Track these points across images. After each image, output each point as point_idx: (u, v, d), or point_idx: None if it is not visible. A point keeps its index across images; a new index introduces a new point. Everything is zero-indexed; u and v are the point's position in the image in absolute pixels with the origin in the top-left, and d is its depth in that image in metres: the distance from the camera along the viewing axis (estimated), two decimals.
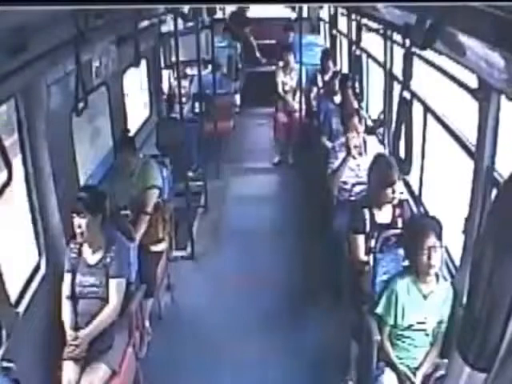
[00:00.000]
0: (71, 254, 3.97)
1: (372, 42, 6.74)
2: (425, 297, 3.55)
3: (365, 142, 5.55)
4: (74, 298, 3.92)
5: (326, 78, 8.11)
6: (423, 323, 3.55)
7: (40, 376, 3.71)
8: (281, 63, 8.48)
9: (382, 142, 6.30)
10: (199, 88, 7.25)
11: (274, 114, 8.72)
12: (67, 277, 3.94)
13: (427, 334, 3.59)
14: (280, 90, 8.46)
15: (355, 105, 6.67)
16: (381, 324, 3.67)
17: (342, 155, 5.49)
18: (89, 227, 3.84)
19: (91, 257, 3.95)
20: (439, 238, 3.47)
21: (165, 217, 5.19)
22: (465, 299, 2.83)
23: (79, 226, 3.83)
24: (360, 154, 5.44)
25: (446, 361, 3.39)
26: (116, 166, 5.15)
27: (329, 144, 6.33)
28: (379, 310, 3.65)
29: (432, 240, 3.43)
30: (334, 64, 8.68)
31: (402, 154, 3.34)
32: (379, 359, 3.66)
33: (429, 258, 3.43)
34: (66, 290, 3.92)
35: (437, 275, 3.56)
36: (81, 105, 3.87)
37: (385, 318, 3.63)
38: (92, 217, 3.85)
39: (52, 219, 4.13)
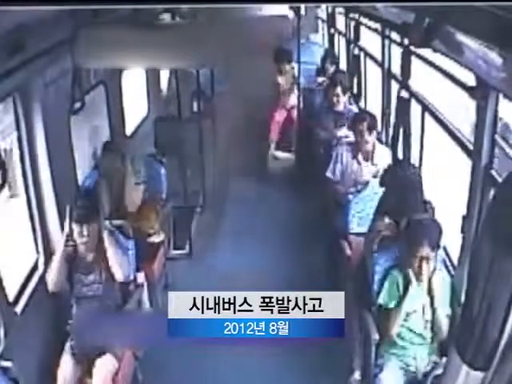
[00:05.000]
0: (67, 252, 3.92)
1: (371, 41, 6.75)
2: (421, 287, 3.57)
3: (373, 147, 5.26)
4: (72, 296, 3.90)
5: (325, 77, 8.08)
6: (421, 313, 3.58)
7: (38, 375, 3.71)
8: (278, 65, 8.33)
9: (380, 140, 6.29)
10: (198, 86, 7.24)
11: (270, 112, 8.54)
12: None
13: (425, 327, 3.61)
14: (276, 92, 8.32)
15: (357, 108, 6.62)
16: (384, 315, 3.67)
17: (343, 156, 5.35)
18: (90, 234, 3.80)
19: (89, 255, 3.93)
20: (434, 245, 3.46)
21: (157, 208, 5.18)
22: (463, 298, 2.83)
23: (81, 235, 3.78)
24: (366, 159, 5.24)
25: (444, 359, 3.39)
26: (104, 172, 5.05)
27: (328, 143, 6.26)
28: (381, 299, 3.67)
29: (425, 250, 3.44)
30: (333, 64, 8.64)
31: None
32: (377, 357, 3.68)
33: (419, 266, 3.47)
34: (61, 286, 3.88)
35: (434, 267, 3.57)
36: (77, 104, 3.88)
37: (388, 304, 3.64)
38: (93, 223, 3.80)
39: (50, 218, 4.13)
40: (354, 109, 6.75)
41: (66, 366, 3.70)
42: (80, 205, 3.81)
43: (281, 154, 8.38)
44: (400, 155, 4.25)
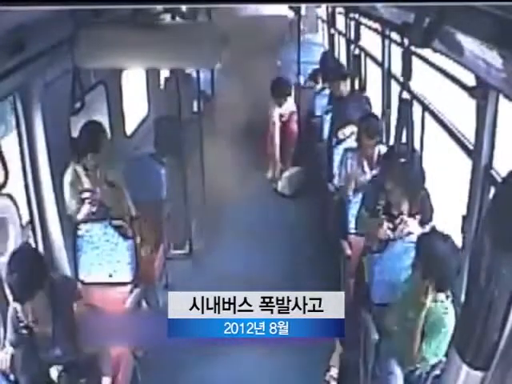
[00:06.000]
0: (23, 333, 3.29)
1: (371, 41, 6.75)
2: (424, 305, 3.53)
3: (379, 153, 5.07)
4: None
5: (326, 79, 8.06)
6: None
7: (39, 375, 3.70)
8: (276, 100, 7.89)
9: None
10: (198, 87, 7.24)
11: (266, 124, 8.18)
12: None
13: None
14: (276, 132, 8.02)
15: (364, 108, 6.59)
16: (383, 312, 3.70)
17: (348, 164, 5.21)
18: (38, 307, 3.19)
19: (47, 329, 3.38)
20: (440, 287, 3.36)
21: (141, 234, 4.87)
22: (463, 298, 2.83)
23: (28, 313, 3.15)
24: (371, 168, 5.06)
25: (444, 359, 3.39)
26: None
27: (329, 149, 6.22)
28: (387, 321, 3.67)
29: (424, 286, 3.36)
30: (334, 65, 8.61)
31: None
32: (377, 356, 3.69)
33: (418, 293, 3.42)
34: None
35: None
36: (77, 104, 3.88)
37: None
38: (40, 292, 3.12)
39: (50, 218, 4.13)
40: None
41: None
42: (14, 280, 3.04)
43: (286, 191, 8.19)
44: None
